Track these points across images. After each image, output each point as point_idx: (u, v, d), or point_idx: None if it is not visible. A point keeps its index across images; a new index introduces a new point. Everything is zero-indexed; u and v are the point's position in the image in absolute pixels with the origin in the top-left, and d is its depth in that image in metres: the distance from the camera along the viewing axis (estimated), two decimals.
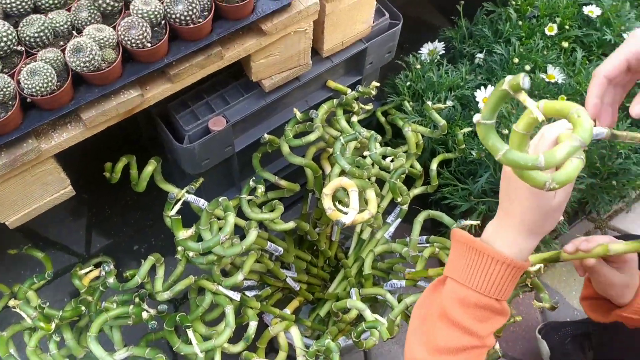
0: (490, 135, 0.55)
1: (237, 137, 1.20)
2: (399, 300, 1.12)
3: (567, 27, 1.50)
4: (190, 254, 1.04)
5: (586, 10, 1.51)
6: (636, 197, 1.67)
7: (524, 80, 0.51)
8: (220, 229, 1.10)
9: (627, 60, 0.64)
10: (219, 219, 1.11)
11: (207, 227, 1.05)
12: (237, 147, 1.20)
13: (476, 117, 0.56)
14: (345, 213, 1.04)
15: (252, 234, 1.04)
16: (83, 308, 1.03)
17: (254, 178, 1.13)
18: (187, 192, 1.13)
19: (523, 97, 0.53)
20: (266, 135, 1.19)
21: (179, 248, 1.07)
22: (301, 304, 1.33)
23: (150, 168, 1.13)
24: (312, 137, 1.16)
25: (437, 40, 1.57)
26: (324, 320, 1.33)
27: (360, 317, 1.29)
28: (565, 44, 1.48)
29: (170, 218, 1.00)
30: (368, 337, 1.01)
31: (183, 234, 0.99)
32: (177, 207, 1.10)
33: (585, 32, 1.50)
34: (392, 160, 1.13)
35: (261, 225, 1.17)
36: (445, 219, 1.17)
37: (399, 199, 1.13)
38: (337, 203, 1.10)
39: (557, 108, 0.55)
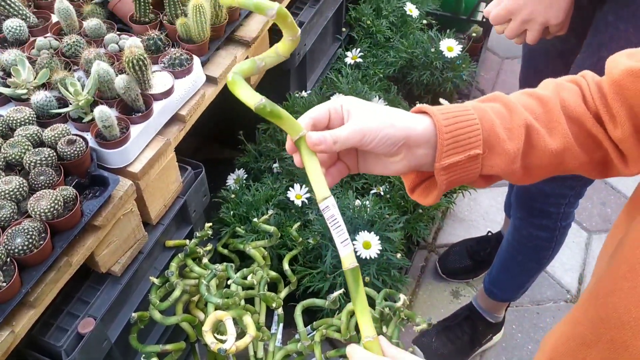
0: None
1: (108, 328, 1.24)
2: None
3: None
4: None
5: (333, 99, 1.86)
6: (442, 217, 2.02)
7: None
8: None
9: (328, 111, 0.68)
10: None
11: None
12: (112, 338, 1.24)
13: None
14: (225, 341, 1.14)
15: None
16: None
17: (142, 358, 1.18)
18: None
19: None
20: (134, 314, 1.26)
21: None
22: None
23: None
24: (177, 292, 1.26)
25: (236, 169, 1.79)
26: None
27: None
28: None
29: None
30: None
31: None
32: None
33: None
34: (252, 277, 1.27)
35: None
36: (318, 301, 1.33)
37: (274, 304, 1.27)
38: (220, 335, 1.19)
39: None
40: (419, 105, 0.70)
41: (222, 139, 2.15)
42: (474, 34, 2.17)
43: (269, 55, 0.67)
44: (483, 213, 2.07)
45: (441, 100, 1.95)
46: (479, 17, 2.58)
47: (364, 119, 0.65)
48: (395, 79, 2.11)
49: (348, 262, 0.63)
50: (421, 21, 2.22)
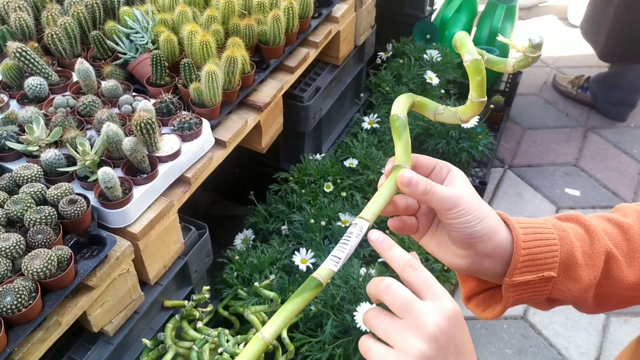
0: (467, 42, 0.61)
1: None
2: None
3: (339, 181, 1.83)
4: None
5: (347, 163, 1.87)
6: (453, 289, 1.96)
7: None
8: None
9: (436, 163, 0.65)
10: None
11: None
12: None
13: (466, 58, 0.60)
14: None
15: None
16: None
17: None
18: None
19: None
20: None
21: None
22: None
23: None
24: (168, 357, 1.24)
25: (244, 229, 1.80)
26: None
27: None
28: (344, 194, 1.80)
29: None
30: None
31: None
32: None
33: (354, 179, 1.84)
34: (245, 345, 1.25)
35: None
36: None
37: None
38: None
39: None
40: (499, 212, 0.66)
41: (236, 196, 2.17)
42: (491, 106, 2.17)
43: (449, 109, 0.66)
44: None
45: None
46: (501, 87, 2.59)
47: (466, 192, 0.61)
48: (411, 147, 2.12)
49: (321, 273, 0.58)
50: (440, 90, 2.23)
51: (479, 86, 0.61)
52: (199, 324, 1.33)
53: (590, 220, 0.68)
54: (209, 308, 1.48)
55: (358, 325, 1.43)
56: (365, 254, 1.69)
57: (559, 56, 3.15)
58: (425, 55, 2.28)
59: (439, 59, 2.26)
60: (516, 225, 0.64)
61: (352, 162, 1.86)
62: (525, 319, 1.94)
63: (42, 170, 1.18)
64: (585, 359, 1.83)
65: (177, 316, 1.34)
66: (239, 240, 1.76)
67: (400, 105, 0.65)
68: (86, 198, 1.13)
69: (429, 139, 2.10)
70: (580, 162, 2.54)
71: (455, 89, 2.33)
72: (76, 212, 1.09)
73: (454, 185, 0.63)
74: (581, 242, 0.65)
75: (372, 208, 0.61)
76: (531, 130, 2.69)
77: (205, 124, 1.33)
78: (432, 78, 2.19)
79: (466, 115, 0.64)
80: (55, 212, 1.08)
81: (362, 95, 2.20)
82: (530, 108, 2.80)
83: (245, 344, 1.27)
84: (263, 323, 1.47)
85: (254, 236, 1.77)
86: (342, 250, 0.59)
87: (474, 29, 2.67)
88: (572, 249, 0.64)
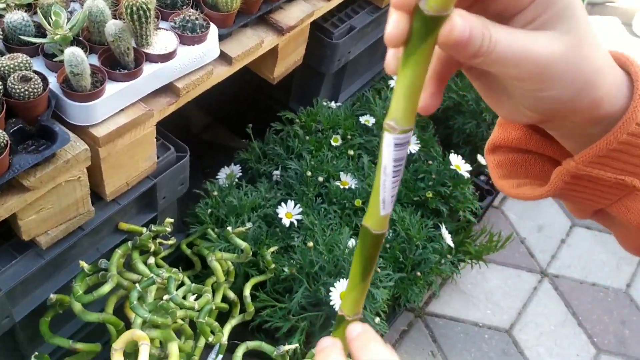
0: None
1: (17, 304, 1.05)
2: None
3: (349, 136, 1.61)
4: None
5: (362, 120, 1.66)
6: (441, 282, 1.79)
7: None
8: None
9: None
10: None
11: None
12: (18, 316, 1.04)
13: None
14: None
15: None
16: None
17: (36, 354, 0.98)
18: None
19: None
20: (52, 296, 1.06)
21: None
22: None
23: None
24: (105, 288, 1.05)
25: (233, 164, 1.59)
26: None
27: None
28: (351, 152, 1.59)
29: None
30: None
31: None
32: None
33: (366, 139, 1.63)
34: (197, 298, 1.06)
35: None
36: (265, 347, 1.12)
37: (210, 339, 1.06)
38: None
39: None
40: (625, 58, 0.39)
41: (233, 125, 1.96)
42: None
43: None
44: (487, 291, 1.84)
45: (480, 158, 1.73)
46: None
47: (561, 46, 0.34)
48: (437, 119, 1.89)
49: (381, 225, 0.39)
50: None
51: None
52: (151, 260, 1.14)
53: None
54: (172, 241, 1.29)
55: (332, 303, 1.24)
56: (358, 224, 1.50)
57: None
58: None
59: None
60: None
61: (368, 120, 1.64)
62: (510, 334, 1.77)
63: (2, 34, 0.96)
64: None
65: (129, 243, 1.15)
66: (223, 174, 1.56)
67: None
68: (45, 79, 0.91)
69: (458, 115, 1.87)
70: None
71: None
72: (27, 92, 0.87)
73: (544, 25, 0.35)
74: None
75: (412, 106, 0.35)
76: None
77: (213, 30, 1.11)
78: None
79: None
80: (1, 87, 0.87)
81: None
82: None
83: (198, 297, 1.08)
84: (227, 273, 1.29)
85: (240, 174, 1.57)
86: (397, 182, 0.38)
87: None
88: None
